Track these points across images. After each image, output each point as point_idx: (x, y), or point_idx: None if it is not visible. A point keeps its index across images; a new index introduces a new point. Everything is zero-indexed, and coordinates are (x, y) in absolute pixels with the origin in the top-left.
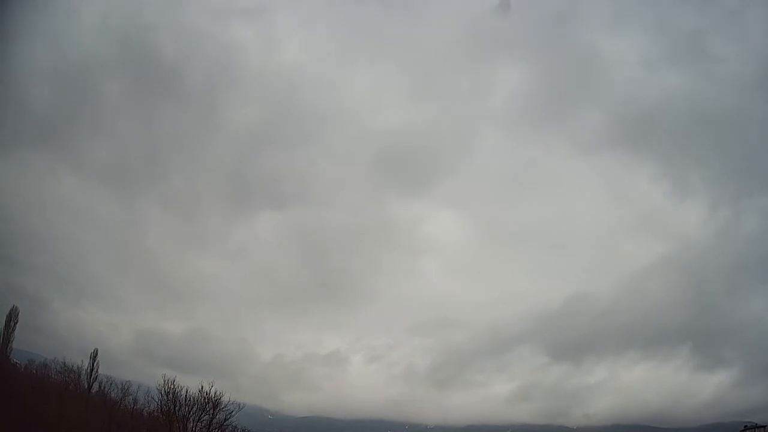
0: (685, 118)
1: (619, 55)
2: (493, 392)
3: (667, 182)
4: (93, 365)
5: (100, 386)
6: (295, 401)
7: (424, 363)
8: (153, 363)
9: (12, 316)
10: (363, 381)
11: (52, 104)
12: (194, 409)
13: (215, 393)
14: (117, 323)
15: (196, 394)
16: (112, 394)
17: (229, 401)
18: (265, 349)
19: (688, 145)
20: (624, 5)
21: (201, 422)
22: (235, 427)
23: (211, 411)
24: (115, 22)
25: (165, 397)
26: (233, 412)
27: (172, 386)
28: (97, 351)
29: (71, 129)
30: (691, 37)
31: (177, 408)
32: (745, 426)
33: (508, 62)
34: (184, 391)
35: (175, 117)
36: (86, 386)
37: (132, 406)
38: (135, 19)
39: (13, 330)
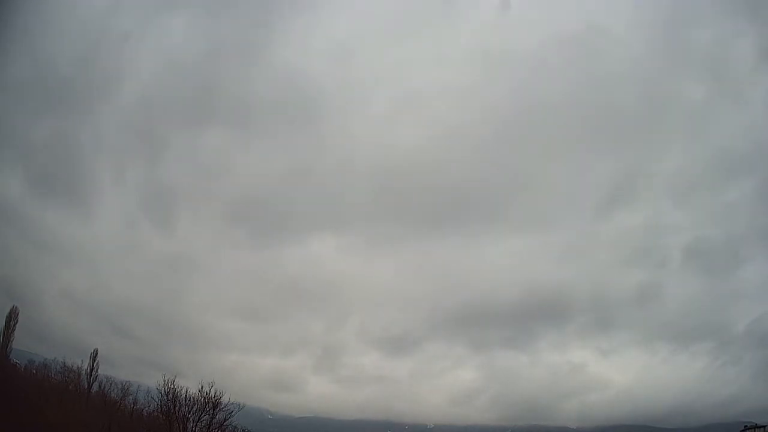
0: None
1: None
2: (492, 391)
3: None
4: (93, 365)
5: (100, 386)
6: (294, 401)
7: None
8: (149, 365)
9: (12, 317)
10: (362, 380)
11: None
12: (194, 409)
13: (215, 393)
14: (116, 324)
15: (196, 394)
16: (112, 395)
17: (229, 401)
18: (260, 350)
19: None
20: None
21: (201, 422)
22: (235, 427)
23: (211, 411)
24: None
25: (165, 398)
26: (233, 412)
27: (172, 386)
28: (96, 351)
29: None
30: None
31: (177, 408)
32: (745, 426)
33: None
34: (184, 391)
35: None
36: (86, 386)
37: (132, 406)
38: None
39: (13, 330)
